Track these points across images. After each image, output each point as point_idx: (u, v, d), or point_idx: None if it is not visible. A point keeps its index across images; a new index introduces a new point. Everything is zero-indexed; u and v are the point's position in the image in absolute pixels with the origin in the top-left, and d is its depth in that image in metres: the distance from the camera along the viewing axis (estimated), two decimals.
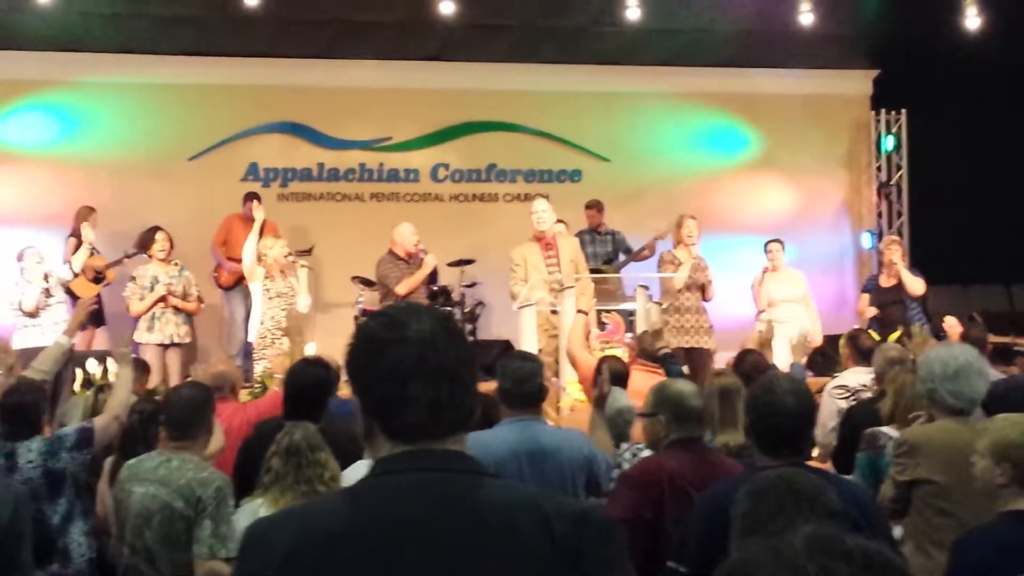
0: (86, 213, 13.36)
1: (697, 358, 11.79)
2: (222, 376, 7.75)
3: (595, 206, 14.62)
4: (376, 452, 2.32)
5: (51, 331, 11.59)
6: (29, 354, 9.16)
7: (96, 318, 13.13)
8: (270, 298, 11.39)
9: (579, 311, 9.22)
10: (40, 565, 5.29)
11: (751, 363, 7.81)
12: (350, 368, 2.35)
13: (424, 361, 2.25)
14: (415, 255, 12.42)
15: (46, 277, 12.01)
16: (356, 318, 13.12)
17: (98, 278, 13.43)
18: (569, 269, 11.32)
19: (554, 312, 10.80)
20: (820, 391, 8.25)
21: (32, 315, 11.89)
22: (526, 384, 5.70)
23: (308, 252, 13.56)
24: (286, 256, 11.65)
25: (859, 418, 7.14)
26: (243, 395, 8.85)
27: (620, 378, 7.14)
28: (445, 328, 2.31)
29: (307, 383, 6.26)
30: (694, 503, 4.55)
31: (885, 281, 13.00)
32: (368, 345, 2.32)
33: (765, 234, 13.83)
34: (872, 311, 12.80)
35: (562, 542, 2.16)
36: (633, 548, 2.39)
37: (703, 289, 12.26)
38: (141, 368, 8.60)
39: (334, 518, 2.23)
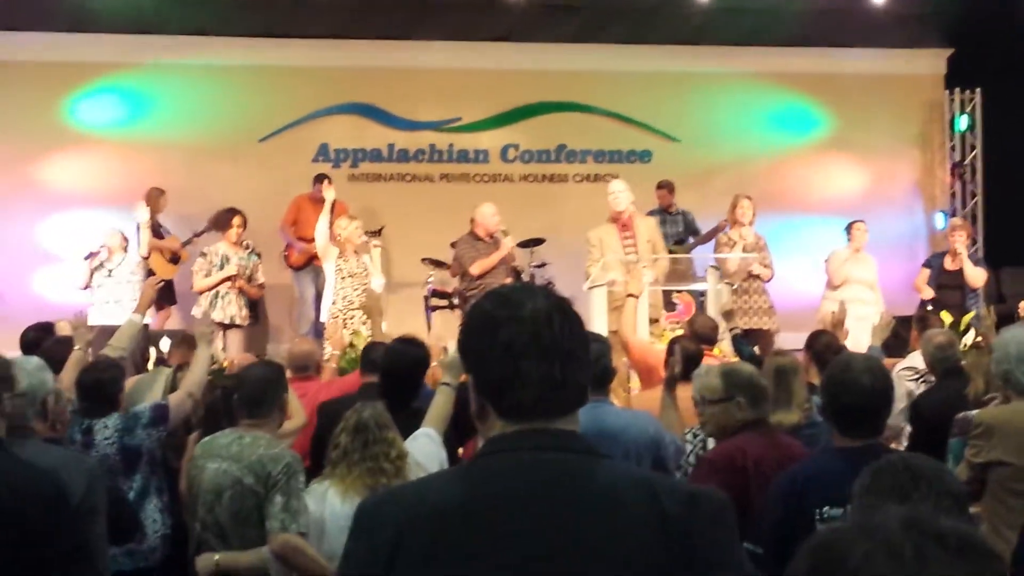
0: (155, 195, 13.54)
1: (759, 339, 11.72)
2: (306, 355, 7.81)
3: (666, 186, 14.59)
4: (488, 431, 2.31)
5: (103, 309, 11.72)
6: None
7: (168, 297, 13.29)
8: (342, 278, 11.42)
9: (629, 295, 9.18)
10: (116, 541, 5.35)
11: (823, 344, 7.76)
12: (463, 346, 2.34)
13: (538, 340, 2.23)
14: (494, 235, 12.43)
15: (91, 256, 12.12)
16: (426, 298, 13.17)
17: (174, 258, 13.59)
18: (646, 249, 11.30)
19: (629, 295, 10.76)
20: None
21: (84, 289, 12.05)
22: (593, 365, 5.69)
23: (378, 233, 13.64)
24: (360, 236, 11.69)
25: (924, 409, 7.09)
26: None
27: (693, 359, 7.11)
28: (559, 307, 2.29)
29: (404, 362, 6.32)
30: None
31: (950, 264, 12.91)
32: (482, 323, 2.30)
33: (836, 215, 13.73)
34: (929, 292, 12.74)
35: (673, 522, 2.15)
36: None
37: (757, 273, 12.21)
38: (188, 343, 8.64)
39: (445, 496, 2.24)
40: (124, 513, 5.44)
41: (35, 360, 5.03)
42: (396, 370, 6.35)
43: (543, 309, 2.26)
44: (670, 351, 7.24)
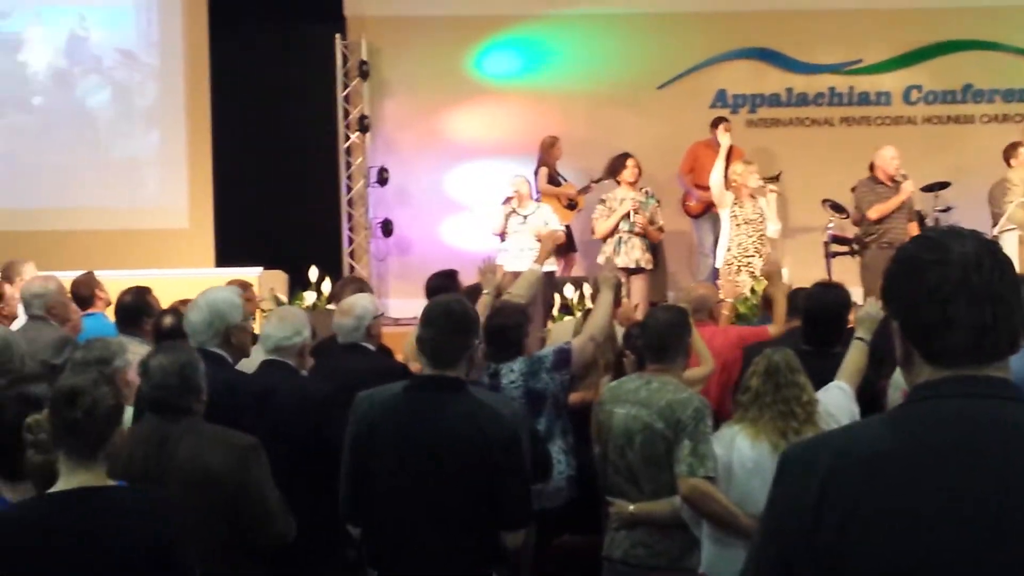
0: (549, 143, 13.84)
1: None
2: (701, 299, 7.79)
3: None
4: (915, 377, 2.27)
5: (517, 256, 11.98)
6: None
7: (569, 245, 13.53)
8: (737, 224, 11.38)
9: None
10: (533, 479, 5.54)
11: None
12: (888, 291, 2.31)
13: (967, 283, 2.18)
14: (895, 179, 12.13)
15: (508, 200, 12.43)
16: (825, 244, 12.96)
17: (571, 205, 13.83)
18: None
19: None
20: None
21: (499, 237, 12.37)
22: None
23: (776, 178, 13.50)
24: (756, 181, 11.59)
25: None
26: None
27: None
28: (989, 250, 2.23)
29: (825, 306, 6.28)
30: None
31: None
32: (908, 267, 2.26)
33: None
34: None
35: None
36: None
37: None
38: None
39: (874, 441, 2.22)
40: (539, 451, 5.60)
41: None
42: (817, 314, 6.32)
43: (972, 252, 2.20)
44: None
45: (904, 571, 2.10)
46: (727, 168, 11.85)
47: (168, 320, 6.97)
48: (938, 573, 2.09)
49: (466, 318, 4.71)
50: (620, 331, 7.23)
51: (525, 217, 12.31)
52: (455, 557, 4.53)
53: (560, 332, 8.04)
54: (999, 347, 2.21)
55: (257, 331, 6.49)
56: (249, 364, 5.96)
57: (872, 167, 12.34)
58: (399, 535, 4.58)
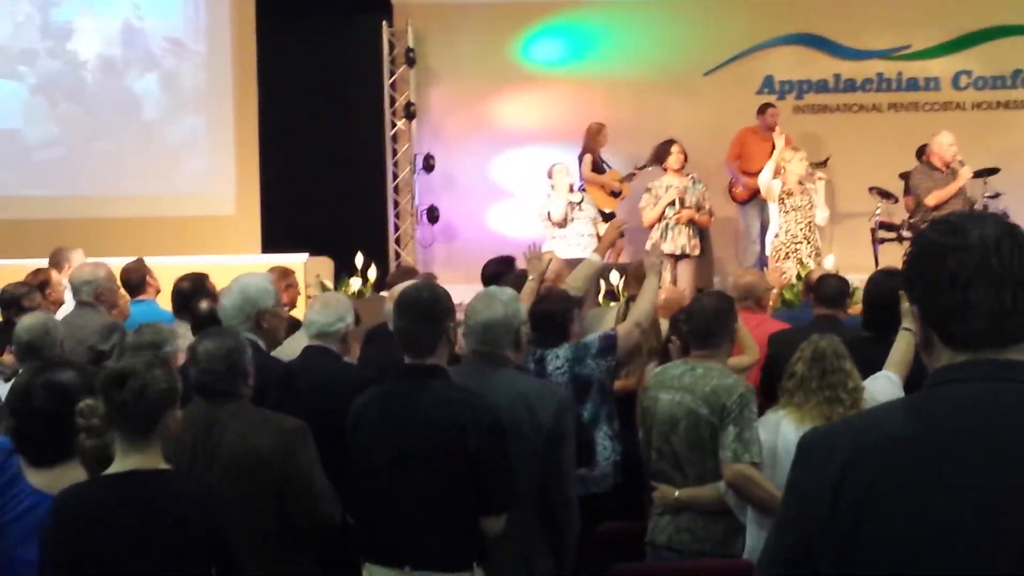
0: (595, 130, 13.82)
1: None
2: (748, 287, 7.76)
3: None
4: (935, 362, 2.28)
5: (575, 243, 12.00)
6: None
7: None
8: (786, 211, 11.35)
9: None
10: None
11: None
12: (908, 276, 2.31)
13: (987, 267, 2.18)
14: (951, 165, 12.05)
15: (571, 188, 12.44)
16: (872, 231, 12.90)
17: (614, 192, 13.81)
18: None
19: None
20: None
21: (560, 226, 12.38)
22: None
23: (823, 164, 13.44)
24: (804, 168, 11.54)
25: None
26: None
27: None
28: (1010, 234, 2.22)
29: (886, 292, 6.27)
30: None
31: None
32: (927, 252, 2.26)
33: None
34: None
35: None
36: None
37: None
38: (639, 277, 8.69)
39: (894, 425, 2.22)
40: (583, 437, 5.60)
41: (508, 291, 5.21)
42: (876, 300, 6.27)
43: (992, 235, 2.20)
44: None
45: (918, 552, 2.11)
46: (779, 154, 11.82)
47: (204, 305, 7.00)
48: (953, 555, 2.09)
49: (435, 304, 4.69)
50: (664, 324, 7.20)
51: (580, 204, 12.35)
52: (437, 546, 4.52)
53: (605, 319, 8.01)
54: (1019, 331, 2.21)
55: (301, 317, 6.51)
56: (292, 350, 6.01)
57: (924, 153, 12.26)
58: (383, 524, 4.59)
